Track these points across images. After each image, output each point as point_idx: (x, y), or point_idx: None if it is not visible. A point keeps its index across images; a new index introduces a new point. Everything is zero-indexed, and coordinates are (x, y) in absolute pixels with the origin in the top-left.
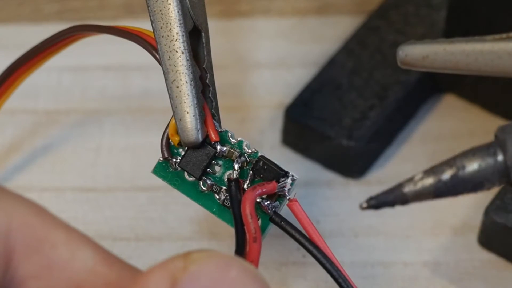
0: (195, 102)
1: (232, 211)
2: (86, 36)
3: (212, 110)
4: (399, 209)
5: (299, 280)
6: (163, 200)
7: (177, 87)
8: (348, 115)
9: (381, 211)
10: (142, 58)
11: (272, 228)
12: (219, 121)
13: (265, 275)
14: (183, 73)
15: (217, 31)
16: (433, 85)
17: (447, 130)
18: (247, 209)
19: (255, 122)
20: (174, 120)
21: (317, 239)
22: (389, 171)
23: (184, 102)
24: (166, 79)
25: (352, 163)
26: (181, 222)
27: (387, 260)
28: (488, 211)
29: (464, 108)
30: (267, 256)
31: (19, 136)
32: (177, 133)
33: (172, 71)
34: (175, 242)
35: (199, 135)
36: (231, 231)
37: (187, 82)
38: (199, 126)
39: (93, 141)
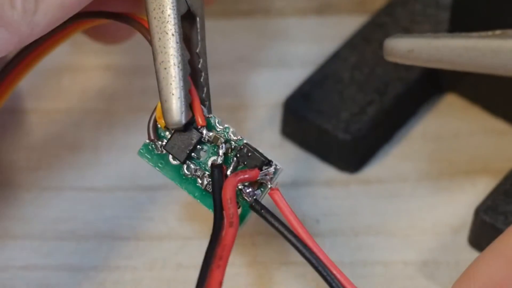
0: (181, 84)
1: (212, 196)
2: (83, 25)
3: (203, 96)
4: (399, 208)
5: (299, 280)
6: (163, 200)
7: (165, 68)
8: (347, 109)
9: (381, 211)
10: (142, 58)
11: (272, 228)
12: (209, 107)
13: (265, 275)
14: (171, 55)
15: (217, 31)
16: (434, 83)
17: (447, 129)
18: (228, 194)
19: (255, 122)
20: None
21: (298, 228)
22: (389, 170)
23: (171, 84)
24: (154, 60)
25: (348, 157)
26: (181, 222)
27: (387, 260)
28: (478, 211)
29: (464, 108)
30: (267, 256)
31: (18, 136)
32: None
33: (161, 52)
34: (175, 242)
35: (183, 117)
36: None
37: (174, 64)
38: (183, 109)
39: (93, 141)
